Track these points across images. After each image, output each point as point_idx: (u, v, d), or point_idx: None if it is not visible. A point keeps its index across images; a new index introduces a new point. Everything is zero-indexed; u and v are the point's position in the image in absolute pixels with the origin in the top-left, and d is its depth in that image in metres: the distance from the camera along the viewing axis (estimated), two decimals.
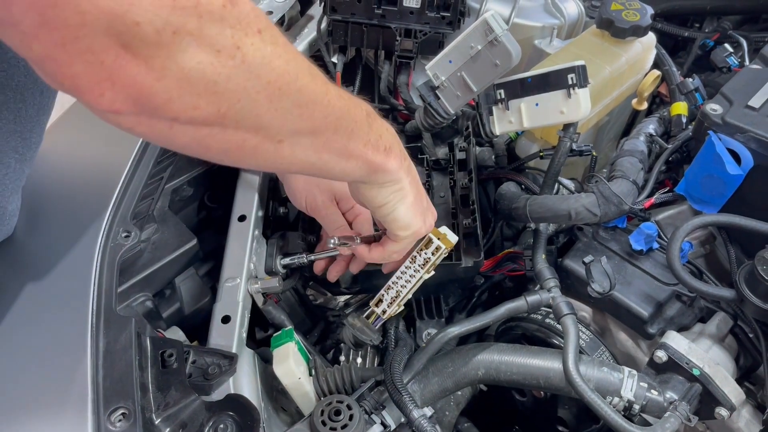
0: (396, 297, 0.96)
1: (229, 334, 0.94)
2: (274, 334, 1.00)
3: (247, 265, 1.01)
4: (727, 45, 1.24)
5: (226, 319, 0.96)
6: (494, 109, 1.10)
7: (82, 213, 0.96)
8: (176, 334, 1.04)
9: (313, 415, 0.84)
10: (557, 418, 1.16)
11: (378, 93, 1.32)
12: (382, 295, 0.98)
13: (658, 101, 1.35)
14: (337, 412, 0.84)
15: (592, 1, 1.37)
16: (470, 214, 1.06)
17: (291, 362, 0.93)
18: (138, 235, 0.96)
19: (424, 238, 0.91)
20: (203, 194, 1.17)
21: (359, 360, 1.20)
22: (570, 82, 1.00)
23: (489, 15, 1.02)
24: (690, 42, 1.42)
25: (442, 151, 1.26)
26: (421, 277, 0.95)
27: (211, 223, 1.19)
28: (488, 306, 1.32)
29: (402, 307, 1.01)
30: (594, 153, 1.22)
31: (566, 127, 1.06)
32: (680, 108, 1.19)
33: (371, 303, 0.98)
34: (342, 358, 1.19)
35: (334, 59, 1.27)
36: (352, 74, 1.30)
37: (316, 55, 1.31)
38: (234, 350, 0.92)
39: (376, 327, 1.01)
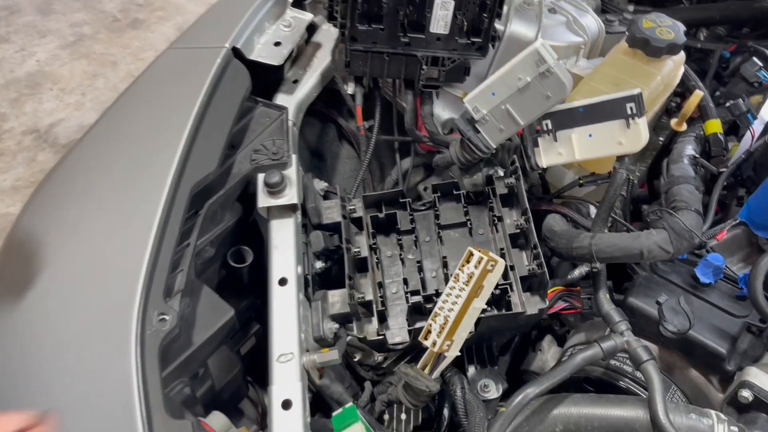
0: (445, 324, 0.88)
1: (293, 422, 0.83)
2: (335, 413, 0.90)
3: (298, 337, 0.90)
4: (755, 59, 1.22)
5: (287, 405, 0.84)
6: (540, 140, 1.03)
7: (110, 295, 0.83)
8: (219, 419, 0.92)
9: None
10: None
11: (396, 125, 1.22)
12: (430, 325, 0.90)
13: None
14: None
15: (607, 16, 1.32)
16: (533, 258, 0.99)
17: None
18: (175, 316, 0.83)
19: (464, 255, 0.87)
20: (225, 253, 1.04)
21: (403, 416, 1.11)
22: (629, 112, 0.95)
23: (540, 45, 0.94)
24: (701, 54, 1.39)
25: (467, 182, 1.18)
26: (468, 298, 0.87)
27: (233, 284, 1.07)
28: (523, 344, 1.27)
29: (458, 352, 0.93)
30: (632, 178, 1.17)
31: (620, 157, 1.00)
32: (715, 126, 1.15)
33: (420, 337, 0.90)
34: (386, 417, 1.10)
35: (350, 90, 1.17)
36: (368, 106, 1.20)
37: (328, 88, 1.21)
38: None
39: (433, 374, 0.92)
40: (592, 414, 0.93)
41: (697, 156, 1.11)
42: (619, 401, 0.94)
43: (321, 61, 1.19)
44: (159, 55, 1.09)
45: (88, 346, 0.79)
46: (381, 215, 1.10)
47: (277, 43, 1.14)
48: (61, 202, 0.92)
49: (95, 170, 0.95)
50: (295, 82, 1.17)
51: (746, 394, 0.91)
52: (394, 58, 1.11)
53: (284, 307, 0.92)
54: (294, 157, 1.03)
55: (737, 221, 1.02)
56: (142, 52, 3.26)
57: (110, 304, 0.82)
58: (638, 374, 0.99)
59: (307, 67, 1.18)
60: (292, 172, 1.01)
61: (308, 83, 1.17)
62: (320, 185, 1.09)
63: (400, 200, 1.11)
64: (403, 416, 1.10)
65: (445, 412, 1.06)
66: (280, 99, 1.13)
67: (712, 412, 0.91)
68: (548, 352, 1.21)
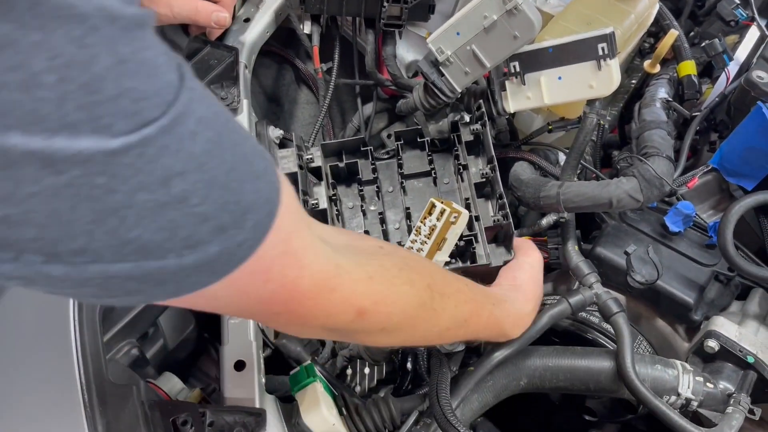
0: None
1: (246, 383, 0.79)
2: (292, 372, 0.86)
3: None
4: None
5: (240, 365, 0.80)
6: (507, 83, 0.98)
7: None
8: (170, 381, 0.88)
9: None
10: (585, 408, 1.10)
11: (357, 67, 1.15)
12: None
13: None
14: None
15: None
16: (498, 209, 0.94)
17: (323, 408, 0.80)
18: None
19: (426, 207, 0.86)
20: None
21: (366, 370, 1.09)
22: (601, 53, 0.89)
23: None
24: None
25: (433, 128, 1.13)
26: (430, 252, 0.86)
27: None
28: None
29: None
30: (603, 122, 1.13)
31: (591, 101, 0.96)
32: (689, 68, 1.10)
33: None
34: (349, 371, 1.07)
35: (307, 30, 1.09)
36: (327, 46, 1.13)
37: (285, 27, 1.12)
38: (257, 402, 0.78)
39: None
40: (558, 366, 0.91)
41: (670, 99, 1.07)
42: (585, 353, 0.92)
43: None
44: None
45: (27, 310, 0.73)
46: (341, 164, 1.04)
47: None
48: None
49: None
50: (247, 20, 1.08)
51: (712, 344, 0.90)
52: None
53: None
54: (245, 103, 0.96)
55: (708, 167, 0.98)
56: None
57: None
58: (605, 325, 0.98)
59: (259, 4, 1.10)
60: (243, 119, 0.95)
61: (261, 22, 1.08)
62: (275, 133, 1.03)
63: (362, 148, 1.05)
64: (367, 370, 1.08)
65: (409, 365, 1.03)
66: (231, 39, 1.05)
67: (678, 362, 0.90)
68: None
